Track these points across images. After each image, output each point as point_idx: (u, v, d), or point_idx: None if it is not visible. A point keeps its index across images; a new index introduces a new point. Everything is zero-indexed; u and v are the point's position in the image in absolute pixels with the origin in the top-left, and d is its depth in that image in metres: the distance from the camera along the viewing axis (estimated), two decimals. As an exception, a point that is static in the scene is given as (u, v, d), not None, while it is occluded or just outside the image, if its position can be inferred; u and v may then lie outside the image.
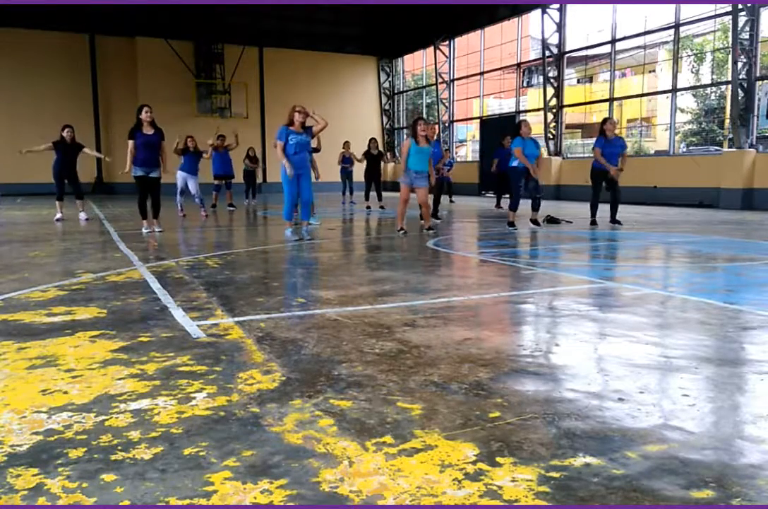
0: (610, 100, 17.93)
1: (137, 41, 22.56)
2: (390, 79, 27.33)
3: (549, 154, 18.45)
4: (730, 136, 15.72)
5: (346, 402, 2.20)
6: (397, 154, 26.36)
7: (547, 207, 12.31)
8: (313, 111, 7.42)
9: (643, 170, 15.35)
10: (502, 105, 29.17)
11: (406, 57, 27.18)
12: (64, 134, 10.31)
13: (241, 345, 2.95)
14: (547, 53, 18.75)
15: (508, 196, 10.65)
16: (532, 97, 25.51)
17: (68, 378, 2.48)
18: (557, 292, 4.35)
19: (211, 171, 13.65)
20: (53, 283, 4.63)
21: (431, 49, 23.83)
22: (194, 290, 4.39)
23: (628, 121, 28.96)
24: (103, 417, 2.08)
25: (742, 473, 1.68)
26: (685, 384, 2.39)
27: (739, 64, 13.64)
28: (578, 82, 28.59)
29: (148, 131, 8.24)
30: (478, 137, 24.31)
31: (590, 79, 28.78)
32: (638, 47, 19.85)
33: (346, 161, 15.33)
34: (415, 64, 27.92)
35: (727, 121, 21.92)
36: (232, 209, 13.52)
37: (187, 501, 1.54)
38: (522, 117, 20.48)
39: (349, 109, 25.74)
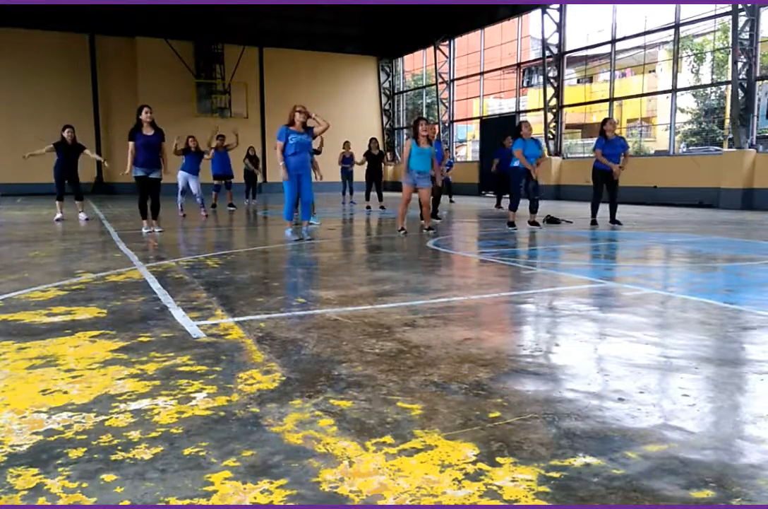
0: (610, 100, 17.94)
1: (137, 41, 22.57)
2: (390, 79, 27.33)
3: (549, 154, 18.44)
4: (730, 136, 15.72)
5: (346, 402, 2.20)
6: (398, 154, 26.37)
7: (547, 207, 12.32)
8: (316, 114, 7.42)
9: (643, 170, 15.35)
10: (502, 105, 29.18)
11: (406, 57, 27.18)
12: (65, 134, 10.28)
13: (241, 345, 2.95)
14: (547, 53, 18.75)
15: (508, 196, 10.64)
16: (532, 97, 25.51)
17: (68, 378, 2.48)
18: (557, 292, 4.35)
19: (210, 171, 13.66)
20: (53, 283, 4.63)
21: (431, 49, 23.83)
22: (194, 290, 4.39)
23: (628, 121, 28.96)
24: (103, 417, 2.08)
25: (742, 473, 1.68)
26: (685, 384, 2.39)
27: (739, 64, 13.64)
28: (578, 82, 28.60)
29: (148, 131, 8.24)
30: (478, 137, 24.32)
31: (590, 79, 28.79)
32: (638, 47, 19.85)
33: (347, 161, 15.33)
34: (415, 64, 27.92)
35: (727, 121, 21.93)
36: (232, 209, 13.52)
37: (187, 501, 1.54)
38: (522, 117, 20.51)
39: (349, 109, 25.75)
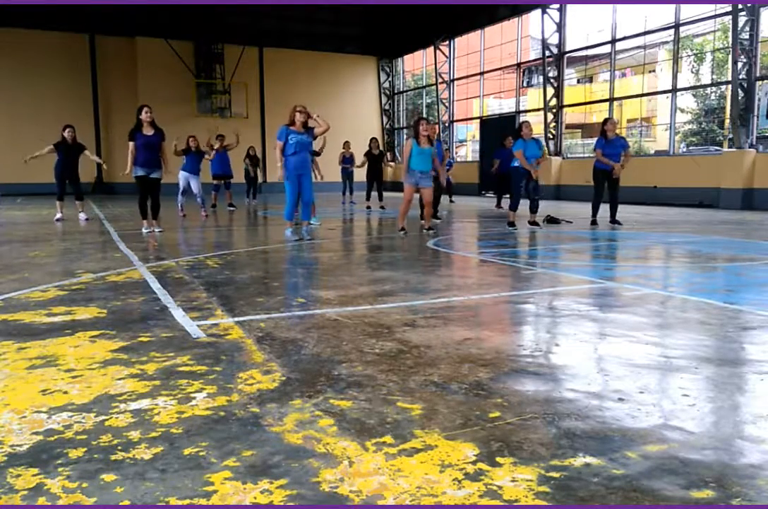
0: (610, 100, 17.94)
1: (137, 41, 22.57)
2: (390, 79, 27.33)
3: (549, 154, 18.44)
4: (730, 136, 15.72)
5: (346, 402, 2.20)
6: (398, 154, 26.37)
7: (547, 207, 12.32)
8: (317, 115, 7.42)
9: (643, 170, 15.35)
10: (502, 105, 29.17)
11: (406, 57, 27.19)
12: (65, 134, 10.28)
13: (241, 345, 2.95)
14: (547, 53, 18.75)
15: (508, 196, 10.65)
16: (532, 97, 25.51)
17: (68, 378, 2.48)
18: (557, 292, 4.35)
19: (210, 171, 13.65)
20: (53, 283, 4.63)
21: (431, 49, 23.83)
22: (194, 290, 4.39)
23: (628, 121, 28.95)
24: (103, 417, 2.08)
25: (742, 473, 1.68)
26: (685, 384, 2.39)
27: (739, 64, 13.64)
28: (578, 82, 28.59)
29: (148, 131, 8.23)
30: (478, 137, 24.32)
31: (590, 79, 28.78)
32: (638, 47, 19.85)
33: (347, 161, 15.34)
34: (415, 64, 27.92)
35: (727, 121, 21.92)
36: (232, 209, 13.52)
37: (187, 501, 1.54)
38: (522, 117, 20.50)
39: (349, 109, 25.75)
